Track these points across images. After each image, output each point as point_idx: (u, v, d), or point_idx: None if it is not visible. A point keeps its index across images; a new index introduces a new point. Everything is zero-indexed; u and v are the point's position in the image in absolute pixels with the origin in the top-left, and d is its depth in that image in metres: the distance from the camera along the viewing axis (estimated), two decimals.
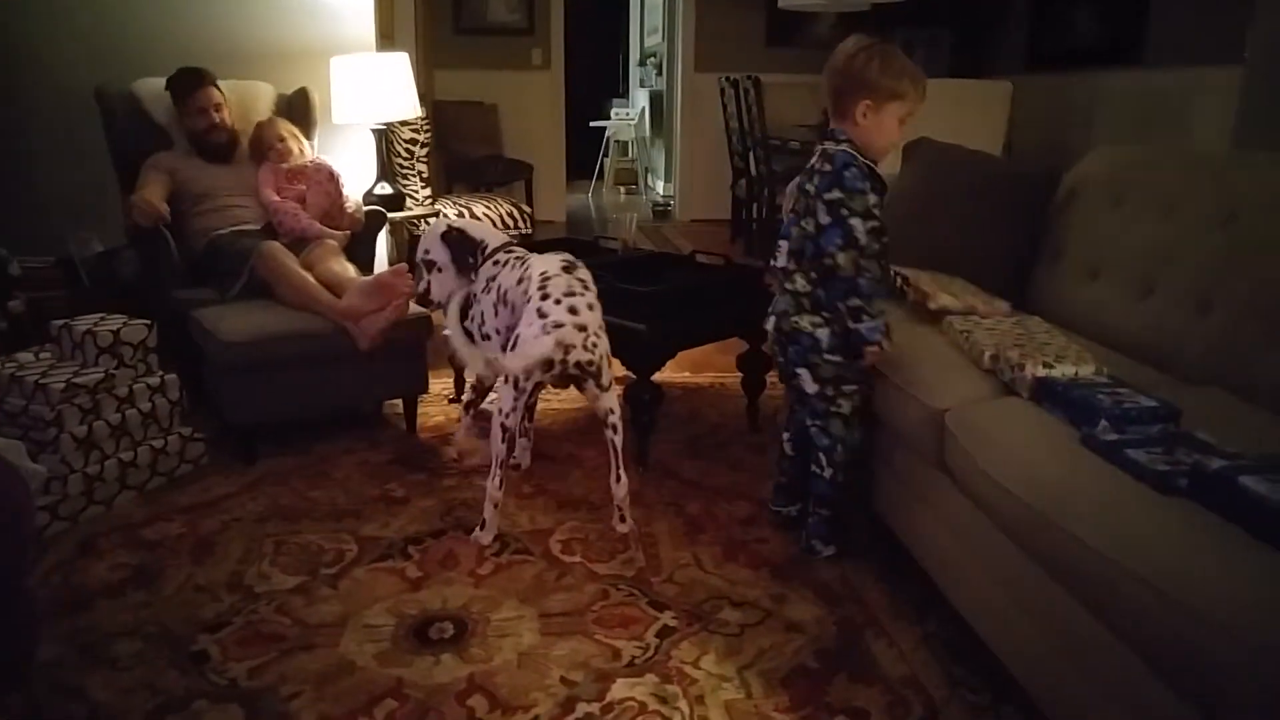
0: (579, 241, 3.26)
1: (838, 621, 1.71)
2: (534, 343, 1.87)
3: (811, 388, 1.84)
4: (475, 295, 2.17)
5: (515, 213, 4.36)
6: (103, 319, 2.24)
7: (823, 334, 1.80)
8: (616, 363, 2.43)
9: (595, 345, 1.93)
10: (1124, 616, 1.13)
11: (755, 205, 5.47)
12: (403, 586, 1.81)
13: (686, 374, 3.13)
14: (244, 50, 3.26)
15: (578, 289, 1.95)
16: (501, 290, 2.08)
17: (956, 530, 1.62)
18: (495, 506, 1.98)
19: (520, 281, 2.02)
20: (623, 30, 9.16)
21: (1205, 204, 1.82)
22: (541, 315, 1.88)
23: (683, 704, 1.47)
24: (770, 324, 1.89)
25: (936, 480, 1.67)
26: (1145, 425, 1.37)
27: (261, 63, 3.25)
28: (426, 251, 2.22)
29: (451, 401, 2.85)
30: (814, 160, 1.82)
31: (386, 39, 3.77)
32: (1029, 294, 2.17)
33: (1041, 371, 1.57)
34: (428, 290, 2.21)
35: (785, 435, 2.03)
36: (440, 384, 2.88)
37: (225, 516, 2.10)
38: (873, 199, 1.74)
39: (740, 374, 2.67)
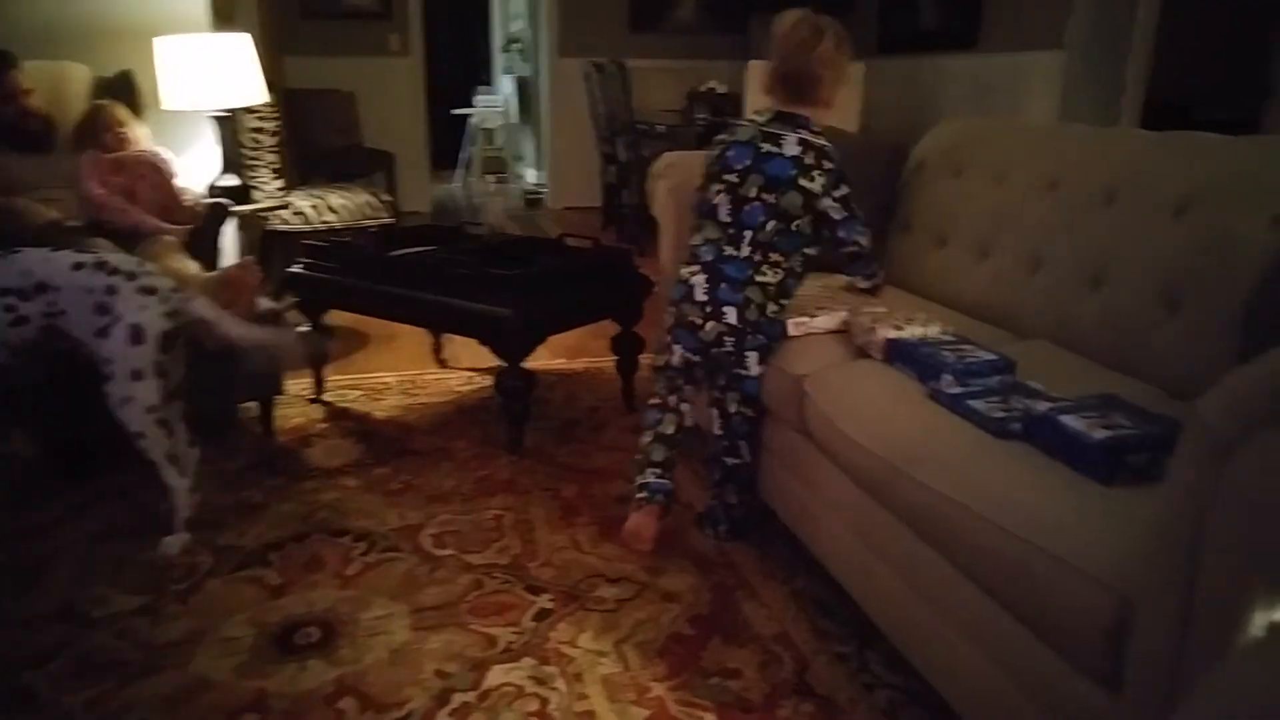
0: (443, 228, 3.17)
1: (712, 588, 1.73)
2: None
3: (757, 370, 1.82)
4: None
5: (374, 203, 4.19)
6: None
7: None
8: (485, 351, 2.38)
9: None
10: (970, 555, 1.20)
11: (625, 191, 5.48)
12: (263, 595, 1.71)
13: (562, 360, 3.10)
14: (54, 28, 2.96)
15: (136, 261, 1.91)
16: None
17: (819, 489, 1.67)
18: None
19: None
20: (486, 15, 8.96)
21: (1032, 172, 1.95)
22: (149, 291, 1.80)
23: (560, 683, 1.46)
24: (732, 315, 1.79)
25: (798, 443, 1.73)
26: (985, 377, 1.46)
27: (75, 42, 2.96)
28: None
29: (312, 401, 2.71)
30: (769, 145, 1.79)
31: (224, 20, 3.52)
32: (885, 263, 2.27)
33: (892, 333, 1.64)
34: None
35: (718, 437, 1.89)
36: (299, 384, 2.73)
37: (52, 542, 1.91)
38: None
39: (615, 356, 2.67)
